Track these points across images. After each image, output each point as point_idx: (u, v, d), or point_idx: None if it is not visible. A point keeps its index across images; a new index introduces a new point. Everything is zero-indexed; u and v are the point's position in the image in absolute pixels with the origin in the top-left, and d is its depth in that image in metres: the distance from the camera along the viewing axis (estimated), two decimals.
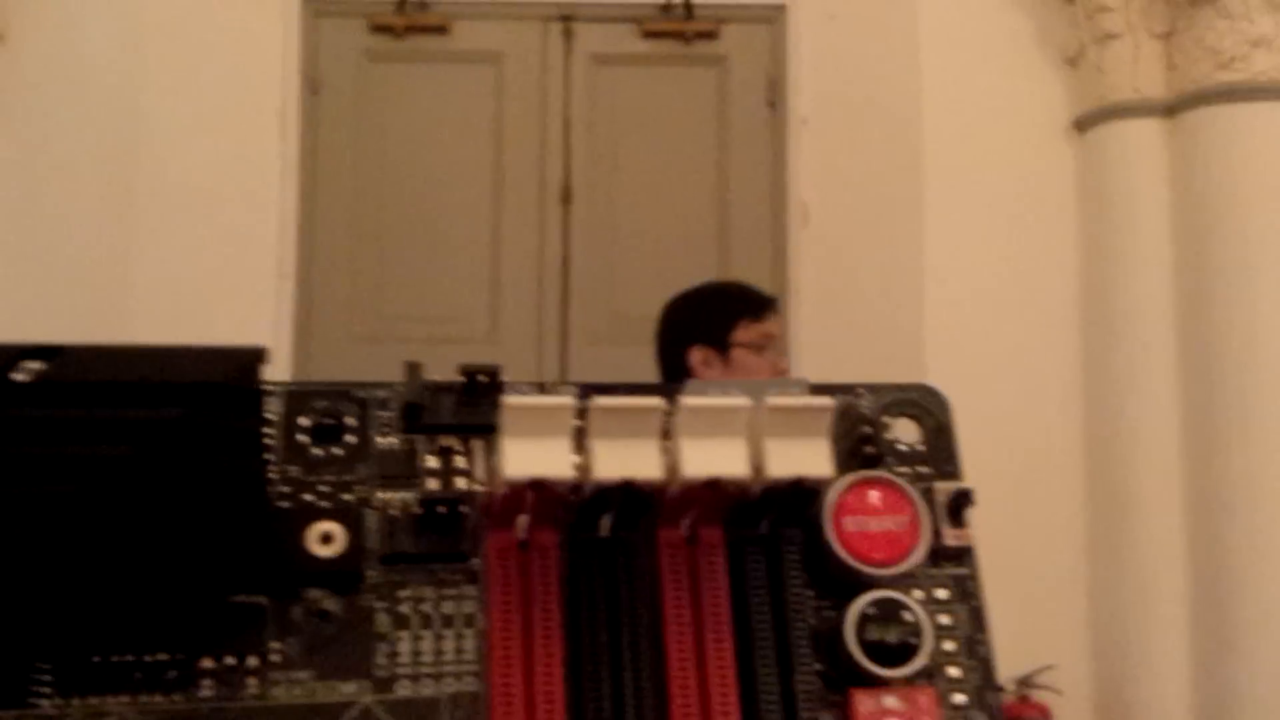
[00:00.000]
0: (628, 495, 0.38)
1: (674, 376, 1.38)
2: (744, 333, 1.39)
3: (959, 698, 0.41)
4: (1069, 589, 2.22)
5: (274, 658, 0.38)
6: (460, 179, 2.42)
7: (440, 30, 2.37)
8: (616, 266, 2.44)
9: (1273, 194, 2.22)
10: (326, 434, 0.41)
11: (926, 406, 0.44)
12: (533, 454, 0.37)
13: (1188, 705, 2.08)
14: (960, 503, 0.42)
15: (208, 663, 0.38)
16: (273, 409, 0.40)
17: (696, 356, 1.40)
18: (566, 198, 2.44)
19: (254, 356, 0.34)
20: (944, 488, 0.43)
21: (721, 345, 1.39)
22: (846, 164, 2.43)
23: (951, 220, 2.40)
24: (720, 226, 2.45)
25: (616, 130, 2.45)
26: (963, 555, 0.43)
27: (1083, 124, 2.41)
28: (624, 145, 2.45)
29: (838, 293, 2.40)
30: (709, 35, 2.43)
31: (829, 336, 2.36)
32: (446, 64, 2.40)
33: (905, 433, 0.44)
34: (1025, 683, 2.10)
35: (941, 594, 0.43)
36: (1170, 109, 2.32)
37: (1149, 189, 2.32)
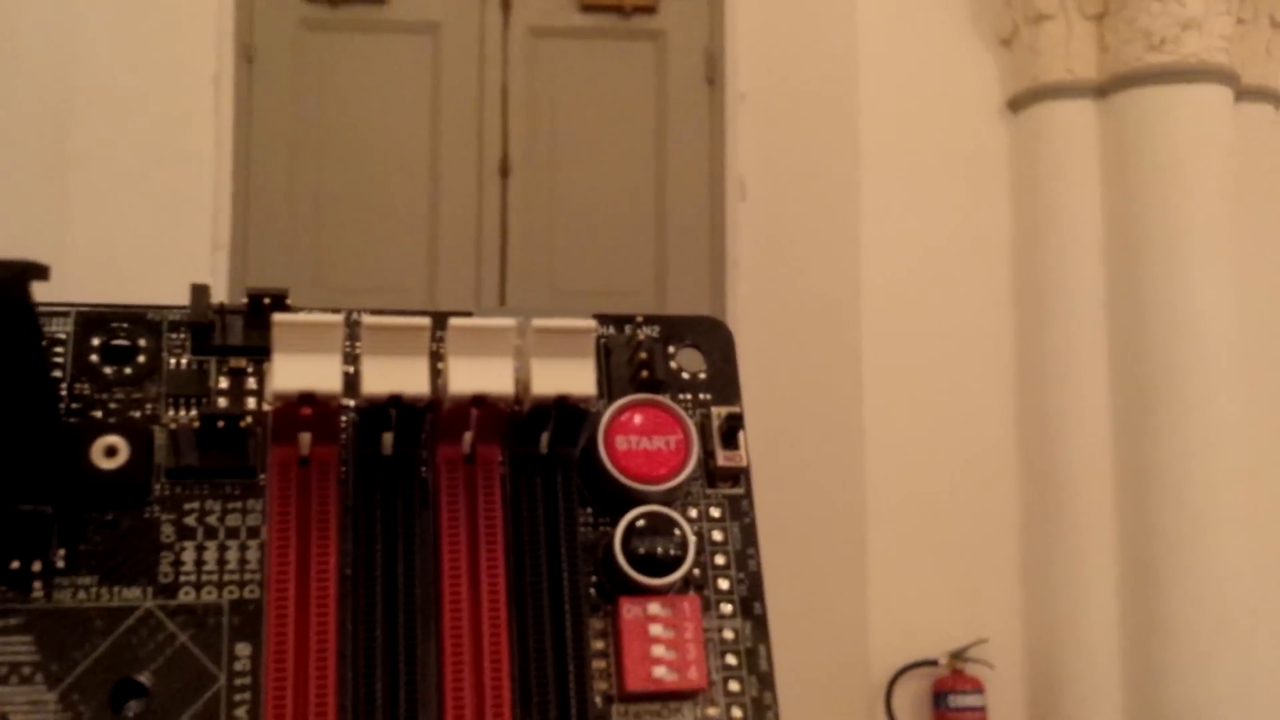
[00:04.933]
0: (401, 411, 0.41)
1: None
2: None
3: (727, 607, 0.44)
4: (1001, 564, 2.27)
5: (59, 564, 0.41)
6: (397, 150, 2.43)
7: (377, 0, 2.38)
8: (554, 240, 2.46)
9: (1201, 174, 2.27)
10: (118, 354, 0.43)
11: (709, 338, 0.47)
12: (302, 369, 0.39)
13: (1118, 679, 2.14)
14: (732, 425, 0.45)
15: None
16: (64, 329, 0.42)
17: None
18: (504, 170, 2.46)
19: (23, 268, 0.36)
20: (718, 412, 0.45)
21: None
22: (784, 140, 2.46)
23: (887, 197, 2.44)
24: (658, 201, 2.48)
25: (555, 104, 2.46)
26: (737, 476, 0.46)
27: (1016, 104, 2.44)
28: (562, 119, 2.46)
29: (775, 268, 2.43)
30: (647, 10, 2.45)
31: (766, 311, 2.39)
32: (383, 34, 2.40)
33: (690, 362, 0.47)
34: (958, 656, 2.14)
35: (715, 512, 0.45)
36: (1102, 90, 2.36)
37: (1081, 169, 2.36)
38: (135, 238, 2.27)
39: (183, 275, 2.25)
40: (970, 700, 2.11)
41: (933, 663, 2.14)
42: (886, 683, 2.15)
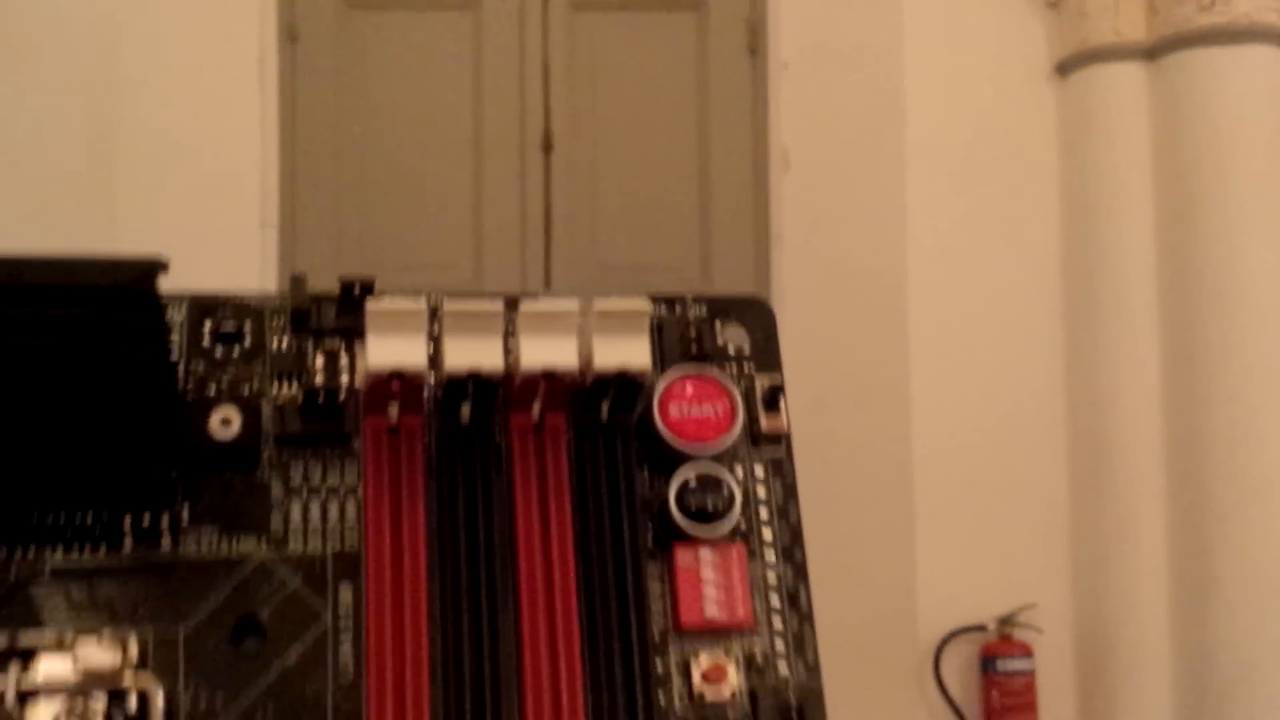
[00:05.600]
0: (478, 385, 0.47)
1: None
2: None
3: (770, 555, 0.51)
4: (1051, 529, 2.30)
5: (184, 520, 0.48)
6: (441, 127, 2.49)
7: None
8: (598, 214, 2.51)
9: (1252, 137, 2.28)
10: (227, 338, 0.50)
11: (753, 315, 0.53)
12: (392, 348, 0.45)
13: (1167, 644, 2.17)
14: (773, 395, 0.51)
15: (127, 521, 0.47)
16: (178, 315, 0.49)
17: None
18: (547, 146, 2.51)
19: (152, 265, 0.43)
20: (761, 382, 0.52)
21: None
22: (827, 109, 2.49)
23: (933, 165, 2.46)
24: (701, 173, 2.52)
25: (596, 78, 2.51)
26: (779, 439, 0.52)
27: (1064, 68, 2.46)
28: (604, 93, 2.51)
29: (819, 239, 2.47)
30: None
31: (811, 282, 2.44)
32: (424, 11, 2.47)
33: (735, 337, 0.53)
34: (1007, 621, 2.18)
35: (759, 471, 0.52)
36: (1151, 52, 2.37)
37: (1130, 132, 2.38)
38: (183, 218, 2.35)
39: (231, 254, 2.34)
40: (1019, 665, 2.16)
41: (981, 628, 2.18)
42: (935, 648, 2.20)
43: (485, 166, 2.48)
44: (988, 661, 2.19)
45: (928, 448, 2.28)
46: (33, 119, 2.33)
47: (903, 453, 2.28)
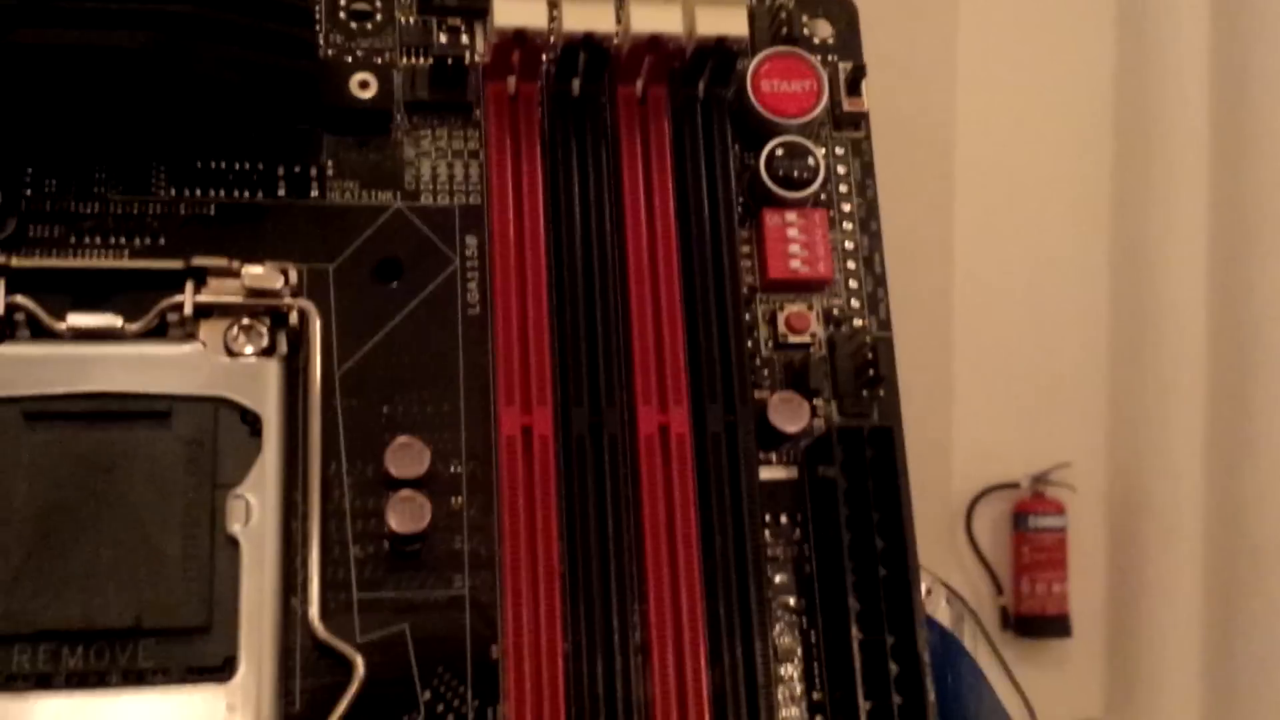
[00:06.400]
0: (590, 50, 0.54)
1: None
2: None
3: (848, 225, 0.58)
4: (1087, 388, 2.35)
5: (330, 171, 0.55)
6: None
7: None
8: None
9: None
10: (359, 15, 0.57)
11: (837, 9, 0.60)
12: (516, 10, 0.52)
13: (1201, 503, 2.23)
14: (856, 78, 0.59)
15: (280, 170, 0.54)
16: None
17: None
18: None
19: None
20: (844, 66, 0.59)
21: None
22: None
23: (986, 35, 2.48)
24: None
25: None
26: (859, 121, 0.59)
27: None
28: None
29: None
30: None
31: None
32: None
33: (820, 30, 0.60)
34: (1040, 479, 2.25)
35: (840, 150, 0.59)
36: None
37: (1188, 2, 2.38)
38: None
39: None
40: (1051, 522, 2.22)
41: (1014, 485, 2.25)
42: (968, 504, 2.28)
43: None
44: (1019, 518, 2.26)
45: (968, 304, 2.33)
46: None
47: (943, 309, 2.34)
